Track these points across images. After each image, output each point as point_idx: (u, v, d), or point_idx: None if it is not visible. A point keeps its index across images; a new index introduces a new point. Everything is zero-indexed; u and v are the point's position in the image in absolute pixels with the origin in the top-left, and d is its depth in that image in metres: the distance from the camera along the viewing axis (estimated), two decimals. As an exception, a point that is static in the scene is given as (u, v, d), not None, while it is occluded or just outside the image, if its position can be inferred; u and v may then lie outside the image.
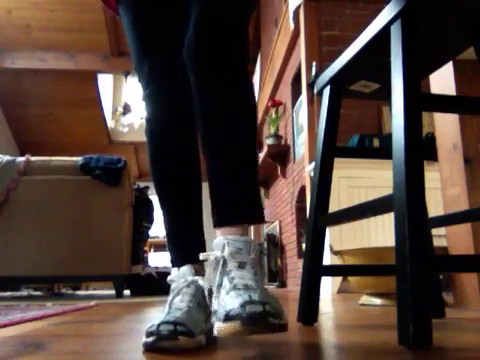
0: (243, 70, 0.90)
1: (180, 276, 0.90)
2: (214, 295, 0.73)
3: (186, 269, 0.90)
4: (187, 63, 0.90)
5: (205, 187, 0.93)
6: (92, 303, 2.17)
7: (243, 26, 0.91)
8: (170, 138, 0.98)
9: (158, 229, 6.60)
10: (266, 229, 5.91)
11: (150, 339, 0.72)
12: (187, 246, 0.97)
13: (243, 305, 0.62)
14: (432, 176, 1.78)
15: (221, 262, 0.75)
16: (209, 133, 0.88)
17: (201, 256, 0.80)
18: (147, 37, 0.98)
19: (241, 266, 0.73)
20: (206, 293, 0.85)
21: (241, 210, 0.84)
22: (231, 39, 0.88)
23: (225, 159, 0.86)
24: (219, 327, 0.64)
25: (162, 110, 0.97)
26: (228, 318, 0.62)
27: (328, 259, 2.64)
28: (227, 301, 0.66)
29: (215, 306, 0.72)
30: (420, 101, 0.84)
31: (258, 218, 0.86)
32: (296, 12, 4.05)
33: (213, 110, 0.88)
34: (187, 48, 0.89)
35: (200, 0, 0.90)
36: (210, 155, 0.88)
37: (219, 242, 0.78)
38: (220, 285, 0.73)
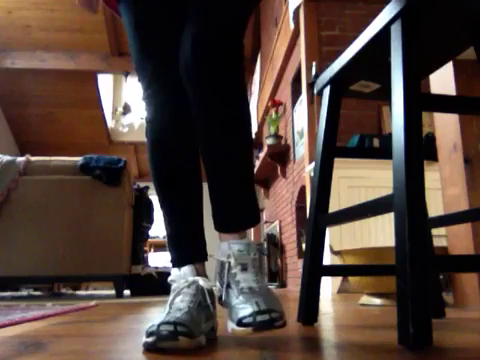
0: (239, 85, 0.94)
1: (181, 276, 0.89)
2: (223, 293, 0.86)
3: (187, 269, 0.90)
4: (183, 79, 0.92)
5: (206, 187, 0.94)
6: (92, 303, 2.17)
7: (239, 42, 0.93)
8: (171, 139, 0.98)
9: (158, 229, 6.60)
10: (266, 229, 5.91)
11: (150, 339, 0.72)
12: (188, 246, 0.97)
13: (253, 315, 0.76)
14: (432, 176, 1.78)
15: (227, 266, 0.87)
16: (207, 149, 0.95)
17: (209, 258, 0.94)
18: (148, 37, 0.98)
19: (244, 268, 0.86)
20: (207, 294, 0.86)
21: (241, 219, 0.94)
22: (228, 57, 0.91)
23: (223, 174, 0.94)
24: (233, 328, 0.79)
25: (163, 111, 0.97)
26: (242, 324, 0.77)
27: (328, 259, 2.64)
28: (239, 307, 0.80)
29: (224, 298, 0.86)
30: (420, 101, 0.84)
31: (255, 223, 0.96)
32: (296, 12, 4.05)
33: (210, 126, 0.93)
34: (183, 65, 0.91)
35: (197, 16, 0.91)
36: (209, 169, 0.95)
37: (224, 249, 0.89)
38: (228, 286, 0.86)
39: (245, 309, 0.78)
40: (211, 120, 0.93)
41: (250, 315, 0.76)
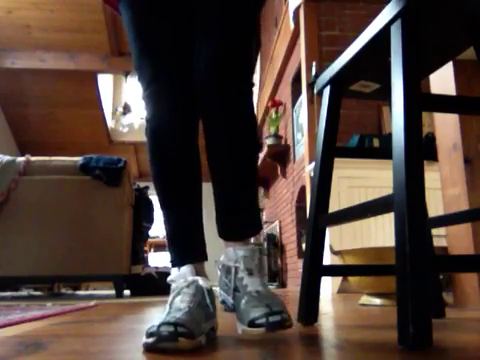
0: (250, 93, 0.99)
1: (180, 276, 0.89)
2: (231, 296, 0.91)
3: (186, 269, 0.90)
4: (197, 88, 0.95)
5: (205, 187, 0.95)
6: (92, 303, 2.17)
7: (251, 54, 0.98)
8: (170, 138, 0.98)
9: (158, 229, 6.60)
10: (266, 229, 5.91)
11: (150, 340, 0.72)
12: (187, 246, 0.97)
13: (266, 316, 0.79)
14: (432, 176, 1.77)
15: (233, 271, 0.92)
16: (216, 163, 0.98)
17: (216, 263, 0.98)
18: (147, 36, 0.98)
19: (250, 273, 0.91)
20: (206, 293, 0.86)
21: (246, 227, 0.99)
22: (243, 70, 0.95)
23: (229, 181, 0.97)
24: (245, 330, 0.82)
25: (162, 110, 0.97)
26: (254, 325, 0.80)
27: (328, 259, 2.64)
28: (249, 309, 0.83)
29: (232, 302, 0.90)
30: (420, 101, 0.84)
31: (257, 232, 1.01)
32: (296, 12, 4.05)
33: (219, 138, 0.97)
34: (198, 81, 0.94)
35: (208, 32, 0.94)
36: (215, 176, 0.98)
37: (230, 255, 0.94)
38: (235, 289, 0.90)
39: (256, 311, 0.81)
40: (218, 124, 0.96)
41: (262, 316, 0.79)
